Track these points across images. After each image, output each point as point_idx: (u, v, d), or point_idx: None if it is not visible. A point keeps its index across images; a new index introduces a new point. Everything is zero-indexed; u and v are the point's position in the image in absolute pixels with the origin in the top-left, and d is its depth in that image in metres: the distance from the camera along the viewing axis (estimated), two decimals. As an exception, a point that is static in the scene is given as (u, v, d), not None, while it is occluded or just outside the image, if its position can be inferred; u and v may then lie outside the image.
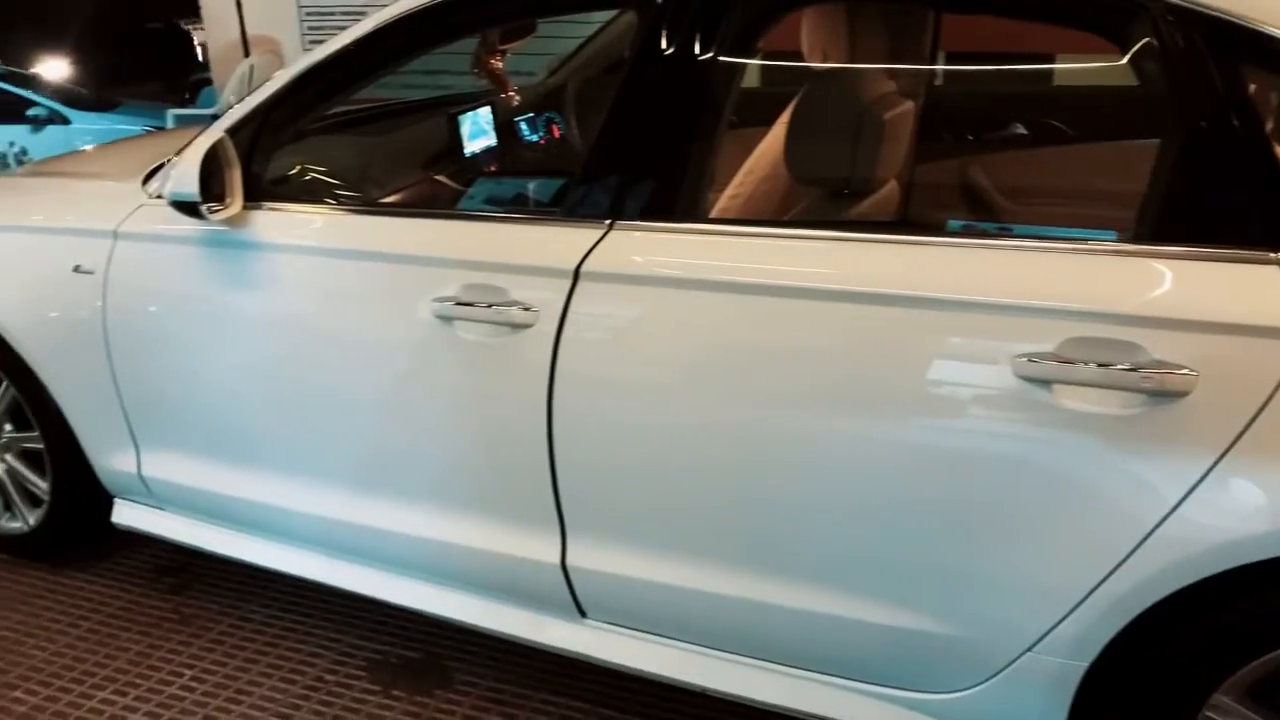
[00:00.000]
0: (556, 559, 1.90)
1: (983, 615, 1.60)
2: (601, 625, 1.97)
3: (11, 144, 7.37)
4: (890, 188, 2.04)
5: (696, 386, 1.71)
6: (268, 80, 2.17)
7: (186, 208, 2.02)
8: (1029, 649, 1.57)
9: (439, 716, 2.14)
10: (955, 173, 2.53)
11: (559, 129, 3.15)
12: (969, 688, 1.65)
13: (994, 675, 1.62)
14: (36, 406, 2.48)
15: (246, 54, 6.04)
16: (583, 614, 1.97)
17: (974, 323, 1.51)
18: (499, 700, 2.17)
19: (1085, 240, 1.52)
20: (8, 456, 2.63)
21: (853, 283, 1.58)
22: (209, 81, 8.78)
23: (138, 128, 8.20)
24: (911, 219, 2.17)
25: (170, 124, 6.94)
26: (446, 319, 1.87)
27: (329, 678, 2.26)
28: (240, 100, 2.19)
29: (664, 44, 1.78)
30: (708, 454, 1.73)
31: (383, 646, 2.35)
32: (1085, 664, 1.54)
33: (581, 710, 2.14)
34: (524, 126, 3.07)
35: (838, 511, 1.66)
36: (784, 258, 1.66)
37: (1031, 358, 1.46)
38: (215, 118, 2.26)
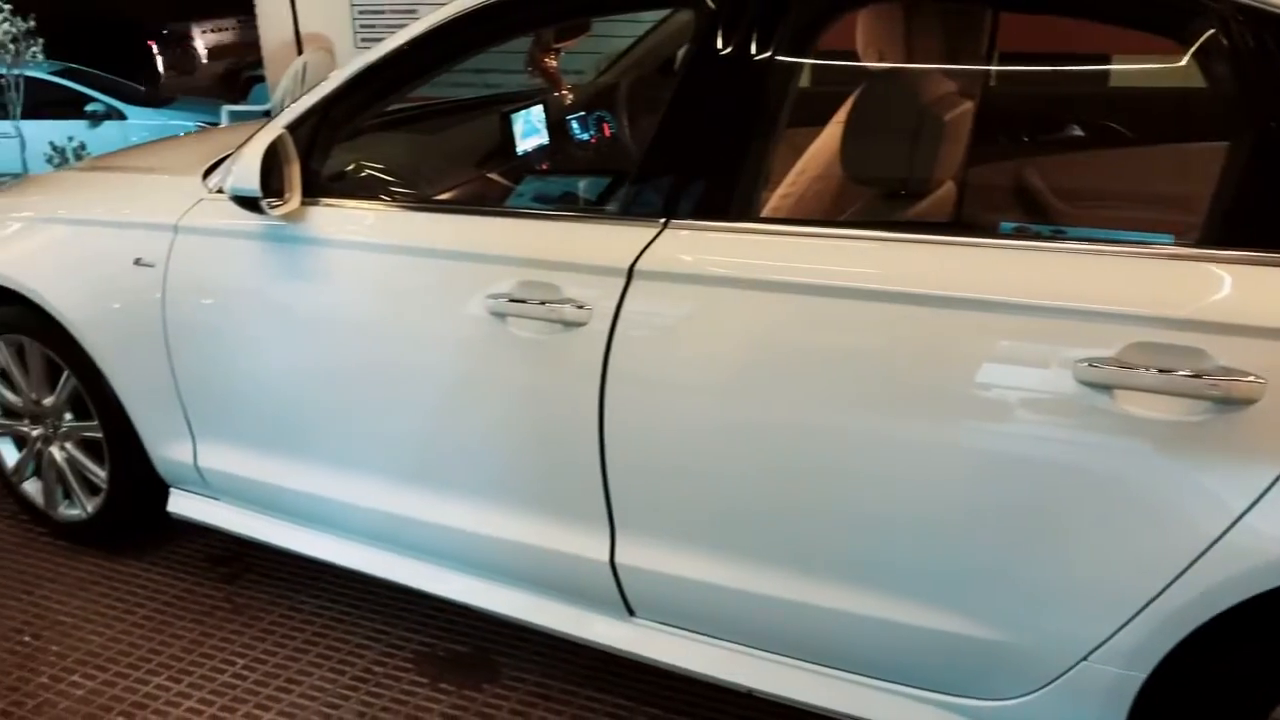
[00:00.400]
0: (605, 556, 1.91)
1: (1036, 622, 1.58)
2: (649, 624, 1.97)
3: (70, 139, 7.53)
4: (947, 189, 2.02)
5: (749, 387, 1.70)
6: (320, 78, 2.20)
7: (247, 203, 2.05)
8: (1084, 658, 1.55)
9: (486, 710, 2.15)
10: (1011, 174, 2.50)
11: (609, 128, 3.15)
12: (1020, 696, 1.63)
13: (1047, 684, 1.60)
14: (96, 396, 2.53)
15: (299, 52, 6.11)
16: (631, 612, 1.97)
17: (1034, 326, 1.49)
18: (545, 696, 2.18)
19: (1145, 244, 1.49)
20: (68, 445, 2.69)
21: (910, 284, 1.57)
22: (261, 79, 8.92)
23: (191, 123, 8.36)
24: (968, 220, 2.14)
25: (224, 120, 7.05)
26: (500, 315, 1.88)
27: (377, 669, 2.29)
28: (294, 97, 2.21)
29: (721, 43, 1.78)
30: (759, 455, 1.72)
31: (431, 639, 2.38)
32: (1143, 675, 1.52)
33: (626, 708, 2.14)
34: (575, 125, 3.08)
35: (890, 515, 1.64)
36: (840, 258, 1.65)
37: (1093, 362, 1.44)
38: (268, 114, 2.29)
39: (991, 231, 1.88)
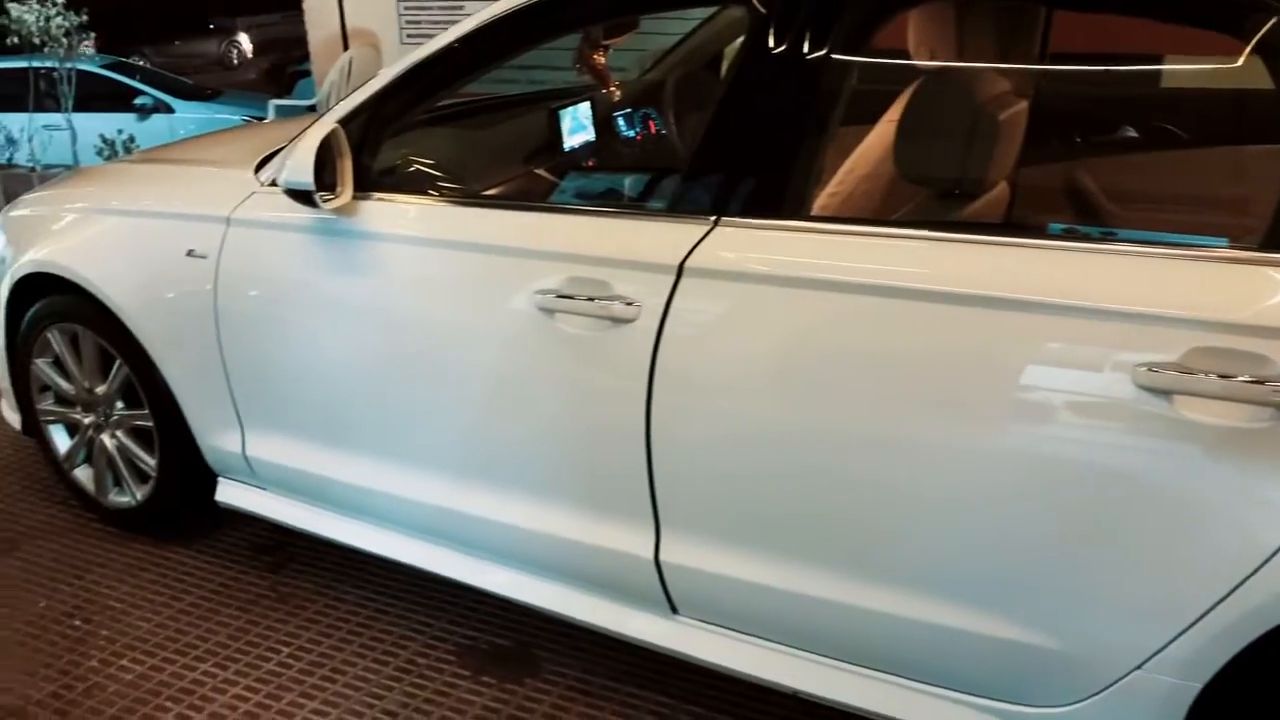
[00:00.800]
0: (650, 554, 1.91)
1: (1089, 629, 1.56)
2: (692, 622, 1.97)
3: (120, 131, 7.65)
4: (1000, 189, 2.00)
5: (798, 387, 1.69)
6: (367, 73, 2.22)
7: (300, 196, 2.07)
8: (1138, 667, 1.52)
9: (527, 705, 2.16)
10: (1063, 175, 2.47)
11: (655, 125, 3.15)
12: (1072, 703, 1.61)
13: (1099, 692, 1.58)
14: (147, 385, 2.57)
15: (345, 47, 6.15)
16: (674, 610, 1.97)
17: (1091, 330, 1.47)
18: (586, 691, 2.19)
19: (1203, 247, 1.47)
20: (119, 433, 2.73)
21: (966, 285, 1.55)
22: (306, 73, 9.00)
23: (237, 117, 8.46)
24: (1021, 221, 2.12)
25: (271, 114, 7.13)
26: (548, 311, 1.89)
27: (420, 661, 2.30)
28: (340, 92, 2.24)
29: (774, 42, 1.77)
30: (807, 455, 1.71)
31: (473, 632, 2.39)
32: (1199, 685, 1.49)
33: (668, 706, 2.14)
34: (621, 122, 3.08)
35: (941, 519, 1.63)
36: (894, 258, 1.64)
37: (1153, 367, 1.41)
38: (313, 109, 2.31)
39: (1045, 233, 1.86)
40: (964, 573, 1.64)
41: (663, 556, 1.90)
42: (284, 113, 6.97)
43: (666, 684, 2.19)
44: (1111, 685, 1.56)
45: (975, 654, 1.67)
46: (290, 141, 2.23)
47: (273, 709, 2.17)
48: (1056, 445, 1.51)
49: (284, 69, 13.60)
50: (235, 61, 21.24)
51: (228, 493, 2.59)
